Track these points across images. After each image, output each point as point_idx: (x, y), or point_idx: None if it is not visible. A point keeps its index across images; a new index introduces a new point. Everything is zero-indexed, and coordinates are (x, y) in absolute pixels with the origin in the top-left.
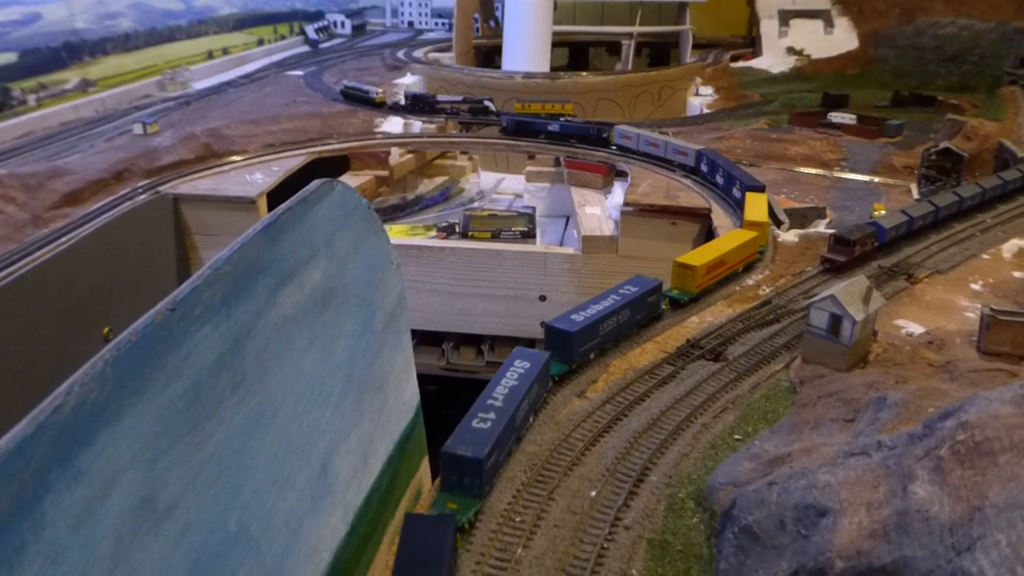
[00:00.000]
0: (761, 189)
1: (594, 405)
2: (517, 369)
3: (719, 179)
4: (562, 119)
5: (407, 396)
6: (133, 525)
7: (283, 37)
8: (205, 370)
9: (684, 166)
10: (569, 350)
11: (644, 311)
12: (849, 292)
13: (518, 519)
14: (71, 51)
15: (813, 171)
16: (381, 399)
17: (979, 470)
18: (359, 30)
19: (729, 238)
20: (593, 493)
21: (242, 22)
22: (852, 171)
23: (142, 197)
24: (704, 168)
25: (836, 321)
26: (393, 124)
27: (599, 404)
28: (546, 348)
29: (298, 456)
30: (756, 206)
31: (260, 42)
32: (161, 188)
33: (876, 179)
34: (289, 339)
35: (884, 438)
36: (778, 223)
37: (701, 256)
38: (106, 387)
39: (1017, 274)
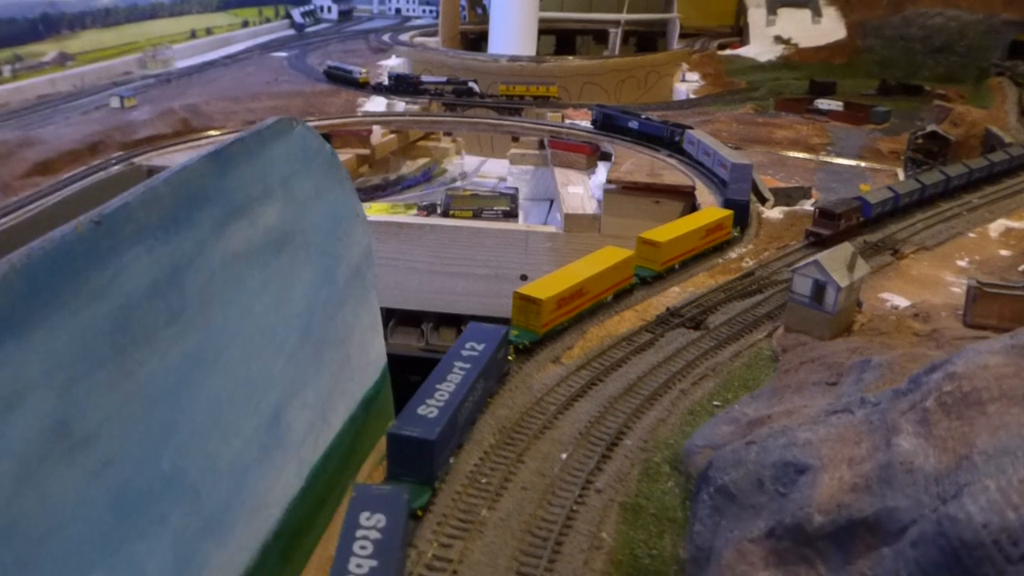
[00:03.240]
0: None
1: (568, 370)
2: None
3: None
4: (643, 116)
5: (372, 356)
6: (42, 449)
7: (268, 20)
8: (137, 295)
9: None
10: (429, 465)
11: (495, 373)
12: (833, 258)
13: (484, 480)
14: (49, 23)
15: (799, 155)
16: (343, 355)
17: (967, 420)
18: (346, 15)
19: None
20: (564, 456)
21: (227, 3)
22: (838, 155)
23: (115, 168)
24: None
25: (820, 288)
26: (376, 104)
27: (574, 369)
28: (392, 467)
29: (245, 403)
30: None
31: (245, 24)
32: (136, 160)
33: (862, 163)
34: (238, 278)
35: (868, 395)
36: (762, 200)
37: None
38: (11, 294)
39: (1004, 252)
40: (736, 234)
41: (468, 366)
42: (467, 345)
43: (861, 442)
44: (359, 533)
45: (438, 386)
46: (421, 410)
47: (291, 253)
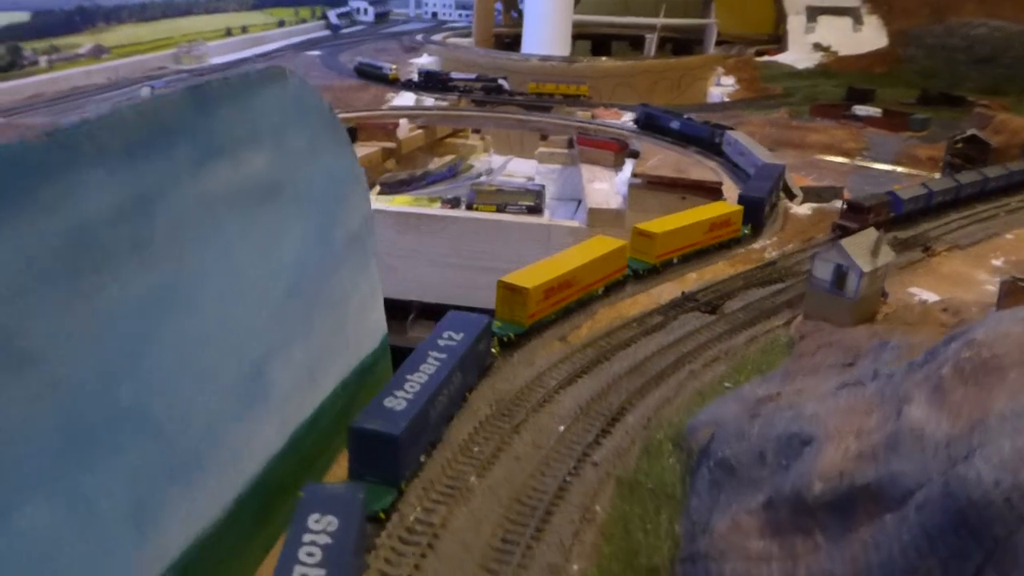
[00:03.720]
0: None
1: (574, 349)
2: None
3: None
4: (685, 117)
5: (371, 325)
6: None
7: (304, 20)
8: (97, 217)
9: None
10: (394, 463)
11: (475, 366)
12: (857, 243)
13: (476, 450)
14: (85, 16)
15: (833, 158)
16: (337, 319)
17: (984, 387)
18: (382, 18)
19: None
20: (562, 428)
21: (263, 2)
22: (874, 160)
23: None
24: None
25: (842, 273)
26: (405, 100)
27: (580, 348)
28: (354, 464)
29: (222, 350)
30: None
31: (280, 23)
32: None
33: (898, 168)
34: (216, 221)
35: (882, 368)
36: (790, 196)
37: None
38: None
39: None
40: (746, 232)
41: (444, 357)
42: (444, 335)
43: (871, 413)
44: (306, 538)
45: (409, 377)
46: (388, 402)
47: (280, 206)
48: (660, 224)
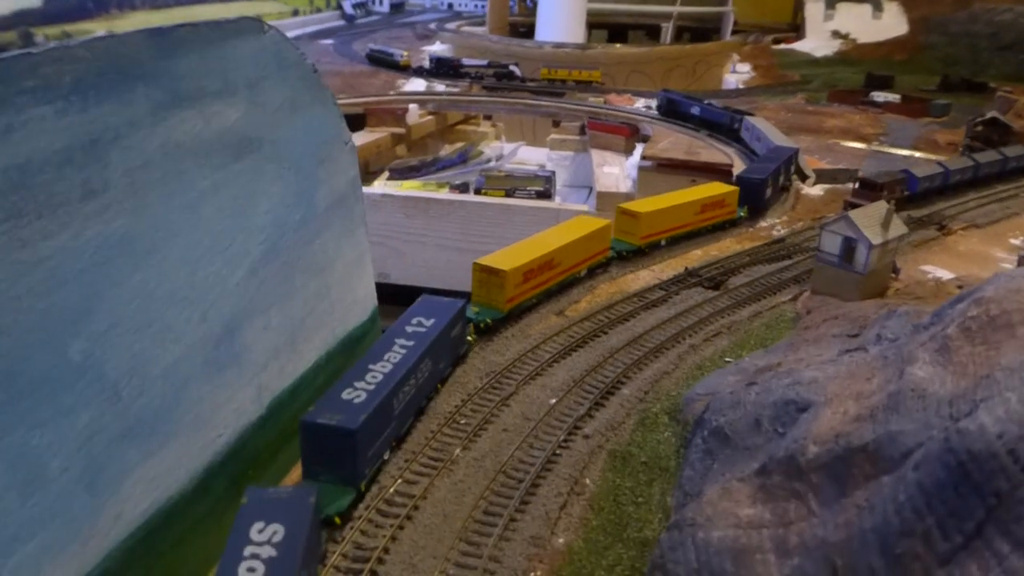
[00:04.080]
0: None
1: (571, 322)
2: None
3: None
4: (705, 102)
5: (359, 295)
6: None
7: (319, 10)
8: (41, 159)
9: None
10: (351, 461)
11: (448, 353)
12: (867, 215)
13: (463, 421)
14: (98, 2)
15: (850, 143)
16: (321, 286)
17: (992, 344)
18: (398, 8)
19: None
20: (553, 401)
21: None
22: (891, 145)
23: None
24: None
25: (850, 246)
26: (415, 85)
27: (577, 321)
28: (308, 463)
29: (187, 308)
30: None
31: (295, 12)
32: None
33: (916, 153)
34: (182, 172)
35: (886, 332)
36: (803, 177)
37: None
38: None
39: None
40: (743, 215)
41: (412, 344)
42: (414, 320)
43: (873, 378)
44: (248, 551)
45: (371, 367)
46: (347, 394)
47: (256, 163)
48: (646, 204)
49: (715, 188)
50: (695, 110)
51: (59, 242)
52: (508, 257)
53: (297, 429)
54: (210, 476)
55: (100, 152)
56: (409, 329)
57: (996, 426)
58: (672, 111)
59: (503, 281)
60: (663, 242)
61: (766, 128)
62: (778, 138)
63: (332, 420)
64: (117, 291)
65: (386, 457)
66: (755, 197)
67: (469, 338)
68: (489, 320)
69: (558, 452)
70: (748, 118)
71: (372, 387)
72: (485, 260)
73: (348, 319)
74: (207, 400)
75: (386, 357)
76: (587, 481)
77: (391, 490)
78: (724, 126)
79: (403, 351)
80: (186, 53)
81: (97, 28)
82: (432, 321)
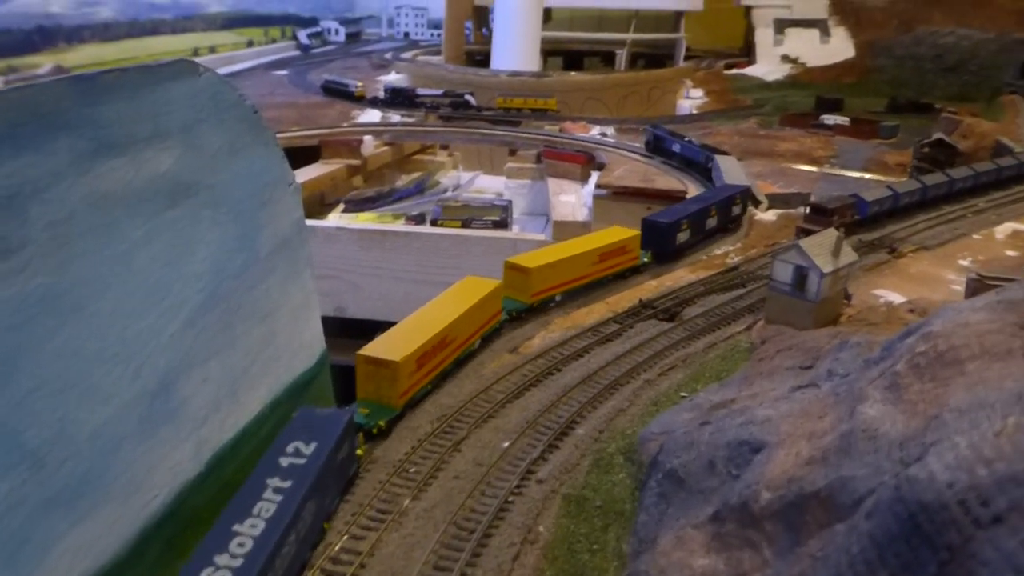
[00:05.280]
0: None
1: (525, 359)
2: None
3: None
4: (685, 139)
5: (305, 339)
6: None
7: (274, 40)
8: None
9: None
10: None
11: (335, 483)
12: (817, 243)
13: (412, 470)
14: (45, 35)
15: (802, 167)
16: (265, 333)
17: (941, 381)
18: (354, 38)
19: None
20: (506, 444)
21: (231, 22)
22: (843, 168)
23: None
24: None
25: (802, 275)
26: (371, 116)
27: (531, 358)
28: None
29: (118, 364)
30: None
31: (250, 43)
32: None
33: (867, 175)
34: (112, 223)
35: (837, 367)
36: (756, 203)
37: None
38: None
39: (1011, 252)
40: (646, 260)
41: (289, 485)
42: (289, 448)
43: (825, 416)
44: None
45: (237, 528)
46: (206, 574)
47: (193, 209)
48: (538, 256)
49: (615, 234)
50: (676, 147)
51: None
52: (396, 342)
53: (239, 484)
54: (145, 540)
55: (18, 207)
56: (284, 462)
57: (946, 474)
58: (658, 147)
59: (394, 373)
60: (557, 297)
61: (726, 167)
62: (734, 176)
63: None
64: (38, 352)
65: None
66: (662, 242)
67: (359, 451)
68: (382, 423)
69: (511, 499)
70: (716, 156)
71: (238, 562)
72: (370, 349)
73: (295, 365)
74: (141, 460)
75: (256, 510)
76: (541, 528)
77: (337, 547)
78: (700, 164)
79: (278, 497)
80: (113, 99)
81: (44, 61)
82: (314, 446)
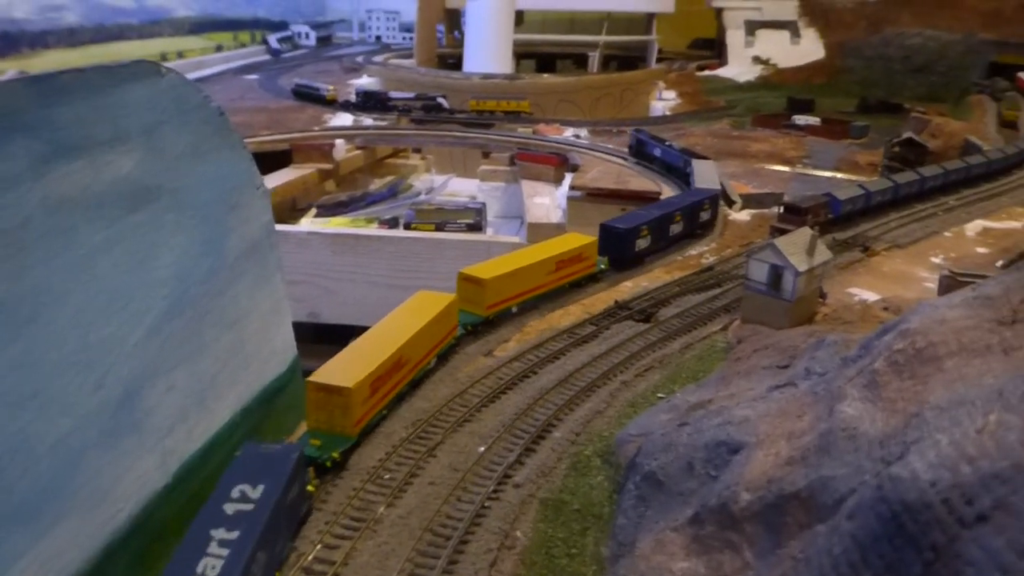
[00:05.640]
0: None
1: (500, 362)
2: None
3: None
4: (667, 143)
5: (276, 345)
6: None
7: (243, 45)
8: None
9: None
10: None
11: (286, 526)
12: (792, 242)
13: (387, 476)
14: (8, 41)
15: (775, 167)
16: (234, 339)
17: (920, 378)
18: (325, 41)
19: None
20: (482, 449)
21: (200, 26)
22: (815, 167)
23: None
24: None
25: (777, 274)
26: (342, 120)
27: (506, 361)
28: None
29: (79, 374)
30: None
31: (219, 48)
32: None
33: (839, 175)
34: (70, 228)
35: (815, 366)
36: (729, 203)
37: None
38: None
39: (981, 250)
40: (603, 267)
41: (235, 536)
42: (235, 492)
43: (804, 415)
44: None
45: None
46: None
47: (156, 212)
48: (493, 267)
49: (572, 241)
50: (657, 151)
51: None
52: (348, 366)
53: (208, 494)
54: (111, 554)
55: None
56: (230, 509)
57: (928, 472)
58: (640, 151)
59: (348, 400)
60: (514, 309)
61: (700, 171)
62: (706, 180)
63: None
64: None
65: None
66: (620, 248)
67: (310, 487)
68: (336, 454)
69: (487, 504)
70: (694, 161)
71: None
72: (321, 375)
73: (265, 372)
74: (105, 472)
75: (201, 568)
76: (518, 534)
77: (309, 557)
78: (679, 169)
79: (224, 552)
80: (71, 100)
81: (8, 67)
82: (261, 488)
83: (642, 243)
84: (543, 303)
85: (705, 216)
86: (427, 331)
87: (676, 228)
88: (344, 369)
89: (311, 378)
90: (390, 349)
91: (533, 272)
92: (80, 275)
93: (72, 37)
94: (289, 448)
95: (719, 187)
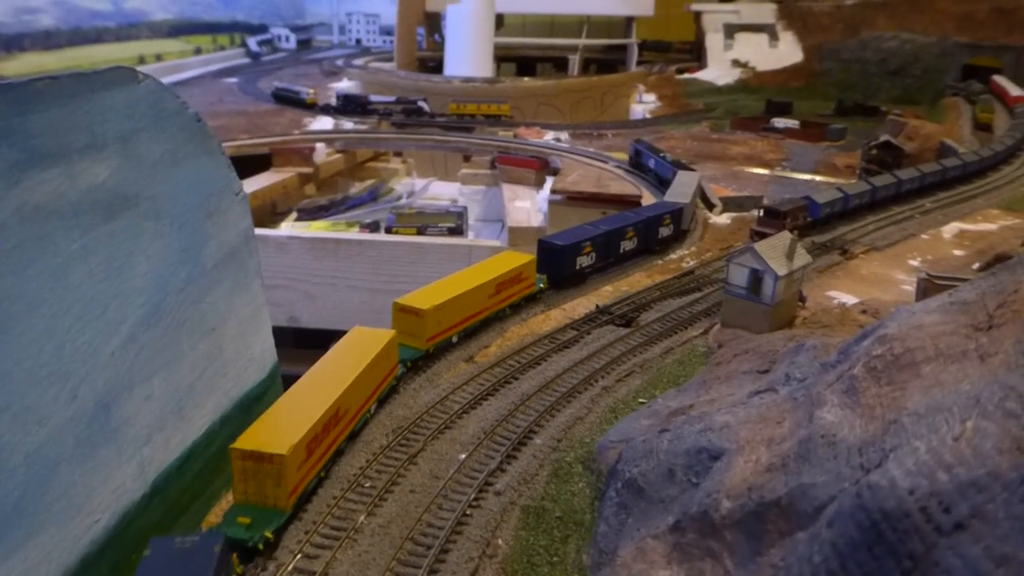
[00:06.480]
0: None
1: (481, 369)
2: None
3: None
4: (661, 154)
5: (256, 352)
6: None
7: (222, 48)
8: None
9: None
10: None
11: None
12: (771, 246)
13: (368, 484)
14: None
15: (754, 170)
16: (212, 346)
17: (898, 384)
18: (305, 45)
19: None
20: (463, 456)
21: (178, 29)
22: (793, 170)
23: None
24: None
25: (757, 278)
26: (323, 123)
27: (487, 367)
28: None
29: (53, 385)
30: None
31: (197, 51)
32: None
33: (817, 177)
34: (44, 236)
35: (794, 371)
36: (710, 207)
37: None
38: None
39: (958, 252)
40: (543, 286)
41: None
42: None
43: (784, 421)
44: None
45: None
46: None
47: (132, 220)
48: (429, 294)
49: (509, 260)
50: (651, 162)
51: None
52: (279, 428)
53: (187, 504)
54: (87, 566)
55: None
56: None
57: (907, 480)
58: (638, 163)
59: (281, 469)
60: (454, 339)
61: (677, 184)
62: (678, 193)
63: None
64: None
65: None
66: (558, 266)
67: (239, 569)
68: (268, 533)
69: (468, 512)
70: (679, 172)
71: None
72: (247, 441)
73: (244, 379)
74: (80, 483)
75: None
76: (499, 542)
77: (289, 567)
78: (669, 180)
79: None
80: (45, 108)
81: None
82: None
83: (584, 260)
84: (481, 330)
85: (666, 232)
86: (366, 375)
87: (627, 245)
88: (274, 431)
89: (236, 444)
90: (327, 402)
91: (473, 297)
92: (55, 284)
93: (48, 40)
94: (208, 539)
95: (686, 201)
